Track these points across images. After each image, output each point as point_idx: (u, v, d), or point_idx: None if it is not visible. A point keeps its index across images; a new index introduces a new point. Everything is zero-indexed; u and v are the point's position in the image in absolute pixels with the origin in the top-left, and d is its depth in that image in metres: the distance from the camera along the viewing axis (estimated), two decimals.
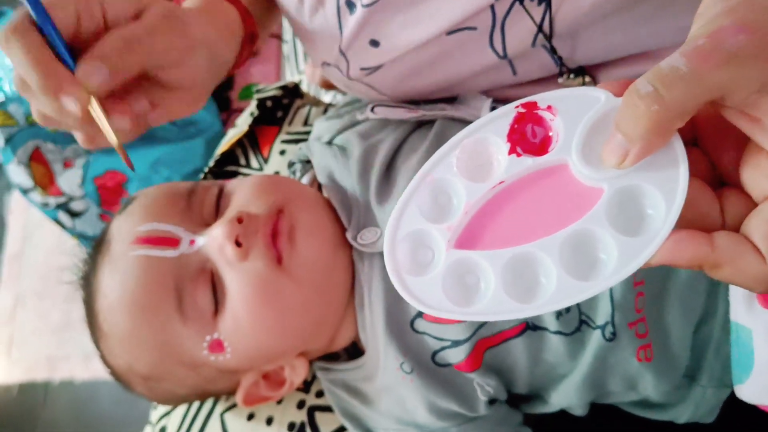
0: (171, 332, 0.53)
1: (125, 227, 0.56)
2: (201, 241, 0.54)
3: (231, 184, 0.59)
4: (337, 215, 0.58)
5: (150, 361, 0.55)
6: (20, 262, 1.81)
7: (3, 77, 1.31)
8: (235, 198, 0.57)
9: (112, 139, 0.45)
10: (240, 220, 0.53)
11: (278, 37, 1.49)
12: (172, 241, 0.54)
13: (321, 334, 0.58)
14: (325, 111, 0.79)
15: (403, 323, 0.55)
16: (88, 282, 0.58)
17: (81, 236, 1.45)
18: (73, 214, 1.43)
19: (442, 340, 0.53)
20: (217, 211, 0.57)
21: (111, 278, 0.54)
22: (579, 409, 0.57)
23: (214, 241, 0.53)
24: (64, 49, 0.42)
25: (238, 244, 0.52)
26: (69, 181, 1.41)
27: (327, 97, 0.91)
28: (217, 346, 0.54)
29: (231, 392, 0.61)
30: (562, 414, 0.60)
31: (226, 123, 1.51)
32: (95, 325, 0.56)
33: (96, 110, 0.43)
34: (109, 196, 1.42)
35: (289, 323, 0.54)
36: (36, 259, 1.78)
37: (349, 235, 0.56)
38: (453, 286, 0.34)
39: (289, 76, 1.18)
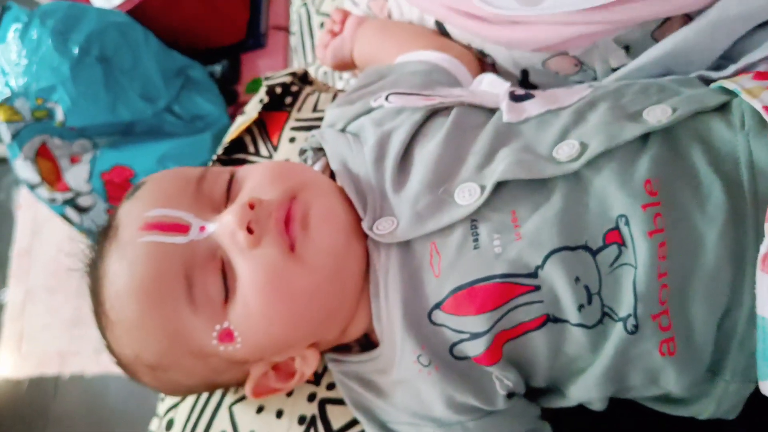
0: (180, 321, 0.52)
1: (133, 213, 0.54)
2: (211, 227, 0.53)
3: (242, 170, 0.58)
4: (351, 204, 0.57)
5: (157, 350, 0.54)
6: (30, 257, 1.82)
7: (9, 72, 1.30)
8: (246, 184, 0.56)
9: None
10: (252, 206, 0.51)
11: (285, 29, 1.48)
12: (181, 228, 0.52)
13: (333, 325, 0.57)
14: (335, 97, 0.78)
15: (421, 315, 0.53)
16: (94, 269, 0.56)
17: (88, 232, 1.44)
18: (81, 210, 1.42)
19: (460, 332, 0.52)
20: (228, 198, 0.55)
21: (118, 265, 0.53)
22: (598, 404, 0.55)
23: (225, 228, 0.52)
24: None
25: (249, 230, 0.50)
26: (76, 176, 1.40)
27: (340, 82, 0.89)
28: (226, 335, 0.52)
29: (239, 384, 0.60)
30: (580, 408, 0.58)
31: (233, 117, 1.49)
32: (102, 314, 0.55)
33: None
34: (117, 191, 1.41)
35: (301, 312, 0.52)
36: (46, 254, 1.79)
37: (365, 225, 0.55)
38: None
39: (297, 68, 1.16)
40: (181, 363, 0.55)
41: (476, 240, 0.51)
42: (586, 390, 0.53)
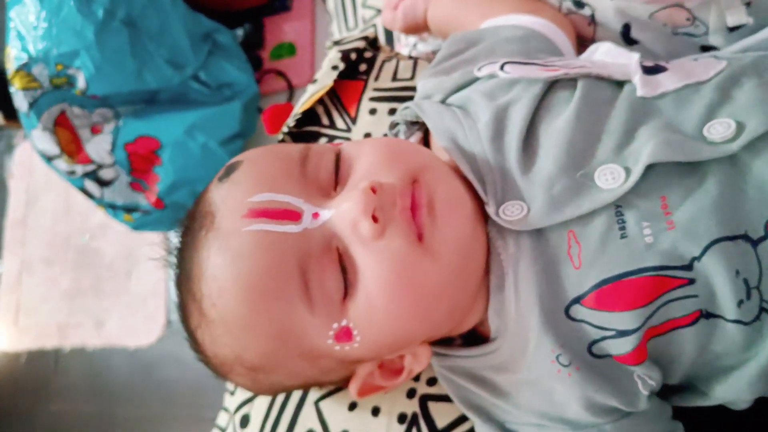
0: (293, 320, 0.46)
1: (233, 198, 0.48)
2: (326, 214, 0.47)
3: (348, 148, 0.52)
4: (468, 186, 0.51)
5: (264, 351, 0.49)
6: (24, 227, 1.77)
7: (26, 36, 1.22)
8: (358, 164, 0.50)
9: None
10: (374, 191, 0.45)
11: None
12: (292, 215, 0.47)
13: (453, 319, 0.52)
14: (415, 65, 0.71)
15: (558, 311, 0.48)
16: (185, 262, 0.50)
17: (110, 206, 1.38)
18: (102, 183, 1.36)
19: (604, 329, 0.47)
20: (337, 180, 0.50)
21: (221, 258, 0.47)
22: (744, 404, 0.51)
23: (346, 215, 0.46)
24: None
25: (373, 218, 0.45)
26: (98, 147, 1.33)
27: (405, 48, 0.82)
28: (345, 334, 0.47)
29: (341, 383, 0.55)
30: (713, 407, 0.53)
31: (258, 84, 1.43)
32: (196, 310, 0.49)
33: None
34: (141, 163, 1.34)
35: (426, 308, 0.47)
36: (42, 224, 1.74)
37: (490, 210, 0.49)
38: None
39: (337, 34, 1.09)
40: (287, 364, 0.50)
41: (623, 228, 0.46)
42: (736, 390, 0.49)
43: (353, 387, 0.53)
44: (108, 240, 1.62)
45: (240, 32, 1.52)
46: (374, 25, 0.92)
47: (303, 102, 0.71)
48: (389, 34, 0.91)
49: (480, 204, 0.51)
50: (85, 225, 1.66)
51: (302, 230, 0.46)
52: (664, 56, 0.63)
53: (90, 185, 1.36)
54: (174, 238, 0.53)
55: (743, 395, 0.49)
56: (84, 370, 1.57)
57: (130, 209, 1.39)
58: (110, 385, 1.55)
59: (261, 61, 1.51)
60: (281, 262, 0.46)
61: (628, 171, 0.47)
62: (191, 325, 0.51)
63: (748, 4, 0.59)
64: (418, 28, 0.77)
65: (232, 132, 1.32)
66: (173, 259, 0.53)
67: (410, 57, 0.75)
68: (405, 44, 0.84)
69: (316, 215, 0.47)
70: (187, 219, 0.52)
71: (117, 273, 1.60)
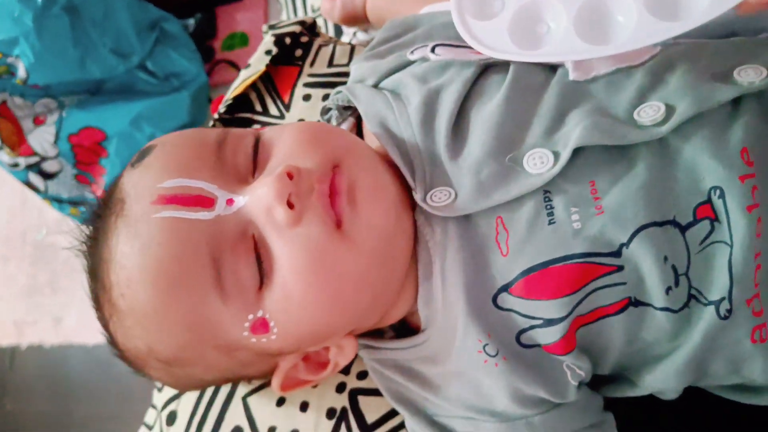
0: (207, 311, 0.44)
1: (144, 183, 0.46)
2: (241, 200, 0.45)
3: (269, 133, 0.49)
4: (396, 172, 0.49)
5: (177, 343, 0.46)
6: None
7: None
8: (278, 149, 0.48)
9: None
10: (290, 176, 0.43)
11: None
12: (205, 201, 0.44)
13: (377, 310, 0.50)
14: (352, 51, 0.69)
15: (485, 299, 0.46)
16: (94, 249, 0.48)
17: (54, 199, 1.35)
18: (46, 176, 1.32)
19: (532, 318, 0.46)
20: (255, 165, 0.48)
21: (129, 246, 0.44)
22: (672, 393, 0.50)
23: (260, 202, 0.44)
24: None
25: (289, 205, 0.43)
26: (41, 139, 1.29)
27: (345, 36, 0.80)
28: (261, 326, 0.45)
29: (264, 377, 0.53)
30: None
31: (210, 74, 1.40)
32: (107, 301, 0.47)
33: None
34: (86, 155, 1.31)
35: (346, 298, 0.45)
36: None
37: (417, 196, 0.48)
38: (520, 30, 0.31)
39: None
40: (203, 357, 0.47)
41: (551, 214, 0.45)
42: (664, 380, 0.48)
43: (275, 381, 0.51)
44: (65, 235, 1.58)
45: (192, 22, 1.49)
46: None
47: (234, 88, 0.69)
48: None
49: (409, 190, 0.49)
50: (42, 220, 1.62)
51: (215, 217, 0.44)
52: None
53: (34, 178, 1.33)
54: (87, 226, 0.50)
55: (672, 384, 0.48)
56: (41, 368, 1.53)
57: (76, 203, 1.35)
58: (68, 382, 1.51)
59: (213, 51, 1.48)
60: (191, 251, 0.43)
61: (556, 155, 0.45)
62: (102, 316, 0.49)
63: None
64: (357, 18, 0.75)
65: (180, 123, 1.29)
66: (85, 248, 0.50)
67: (351, 44, 0.73)
68: (345, 32, 0.82)
69: (230, 202, 0.45)
70: (99, 205, 0.50)
71: (75, 269, 1.55)
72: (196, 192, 0.45)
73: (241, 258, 0.44)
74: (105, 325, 0.49)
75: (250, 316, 0.45)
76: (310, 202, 0.44)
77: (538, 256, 0.45)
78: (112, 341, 0.50)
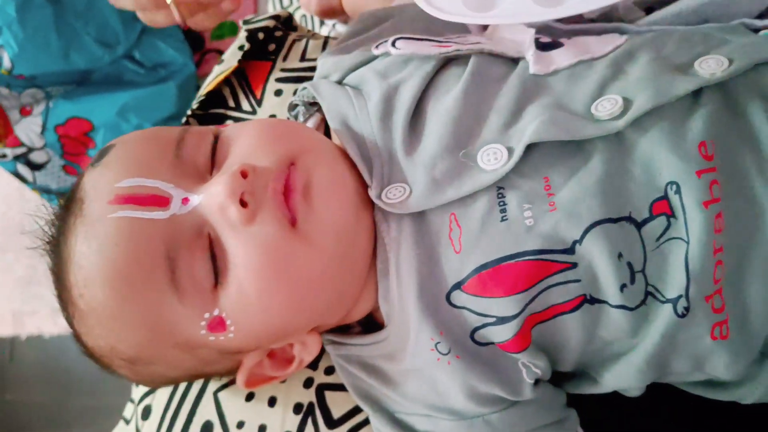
0: (163, 310, 0.44)
1: (102, 183, 0.46)
2: (196, 199, 0.45)
3: (229, 131, 0.50)
4: (355, 169, 0.50)
5: (137, 342, 0.47)
6: None
7: None
8: (235, 147, 0.48)
9: None
10: (245, 174, 0.44)
11: None
12: (160, 200, 0.45)
13: (339, 308, 0.50)
14: (325, 45, 0.69)
15: (439, 296, 0.47)
16: (57, 248, 0.48)
17: (43, 190, 1.35)
18: (34, 167, 1.32)
19: (484, 315, 0.46)
20: (213, 164, 0.48)
21: (86, 245, 0.45)
22: (636, 391, 0.50)
23: (213, 200, 0.44)
24: None
25: (243, 203, 0.43)
26: (28, 129, 1.29)
27: (324, 29, 0.80)
28: (217, 324, 0.45)
29: (230, 373, 0.53)
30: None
31: (199, 65, 1.39)
32: (69, 301, 0.47)
33: None
34: (73, 146, 1.30)
35: (304, 297, 0.46)
36: None
37: (372, 193, 0.48)
38: None
39: (272, 11, 1.07)
40: (164, 355, 0.48)
41: (504, 211, 0.45)
42: (624, 378, 0.48)
43: (239, 378, 0.51)
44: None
45: None
46: None
47: (207, 83, 0.69)
48: None
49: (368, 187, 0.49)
50: (39, 210, 1.62)
51: (170, 216, 0.44)
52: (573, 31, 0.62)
53: (22, 169, 1.32)
54: (50, 225, 0.51)
55: (633, 382, 0.48)
56: (40, 359, 1.54)
57: (64, 194, 1.35)
58: (68, 373, 1.51)
59: (202, 41, 1.47)
60: (146, 250, 0.44)
61: (510, 151, 0.45)
62: (68, 316, 0.49)
63: None
64: (333, 11, 0.74)
65: (167, 113, 1.28)
66: (49, 247, 0.51)
67: (326, 37, 0.72)
68: (323, 25, 0.82)
69: (185, 201, 0.45)
70: (62, 205, 0.50)
71: None
72: (151, 191, 0.45)
73: (196, 257, 0.44)
74: (70, 324, 0.50)
75: (207, 315, 0.45)
76: (264, 200, 0.44)
77: (491, 253, 0.44)
78: (78, 339, 0.51)
